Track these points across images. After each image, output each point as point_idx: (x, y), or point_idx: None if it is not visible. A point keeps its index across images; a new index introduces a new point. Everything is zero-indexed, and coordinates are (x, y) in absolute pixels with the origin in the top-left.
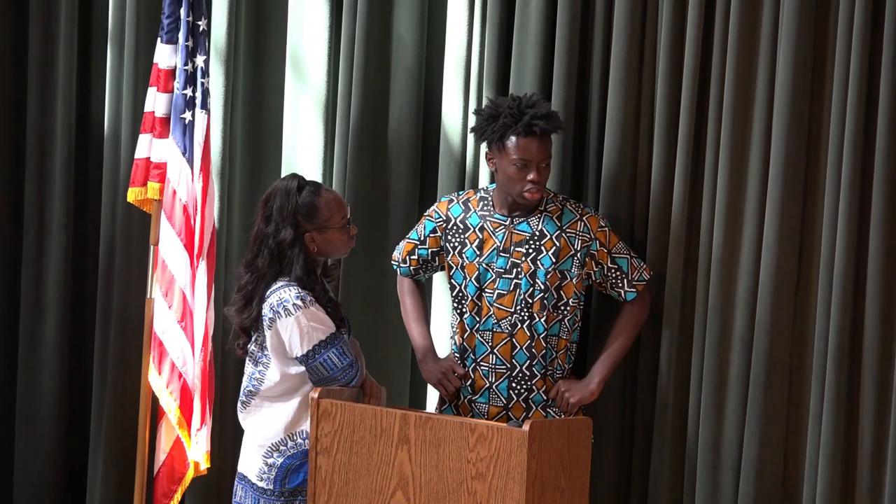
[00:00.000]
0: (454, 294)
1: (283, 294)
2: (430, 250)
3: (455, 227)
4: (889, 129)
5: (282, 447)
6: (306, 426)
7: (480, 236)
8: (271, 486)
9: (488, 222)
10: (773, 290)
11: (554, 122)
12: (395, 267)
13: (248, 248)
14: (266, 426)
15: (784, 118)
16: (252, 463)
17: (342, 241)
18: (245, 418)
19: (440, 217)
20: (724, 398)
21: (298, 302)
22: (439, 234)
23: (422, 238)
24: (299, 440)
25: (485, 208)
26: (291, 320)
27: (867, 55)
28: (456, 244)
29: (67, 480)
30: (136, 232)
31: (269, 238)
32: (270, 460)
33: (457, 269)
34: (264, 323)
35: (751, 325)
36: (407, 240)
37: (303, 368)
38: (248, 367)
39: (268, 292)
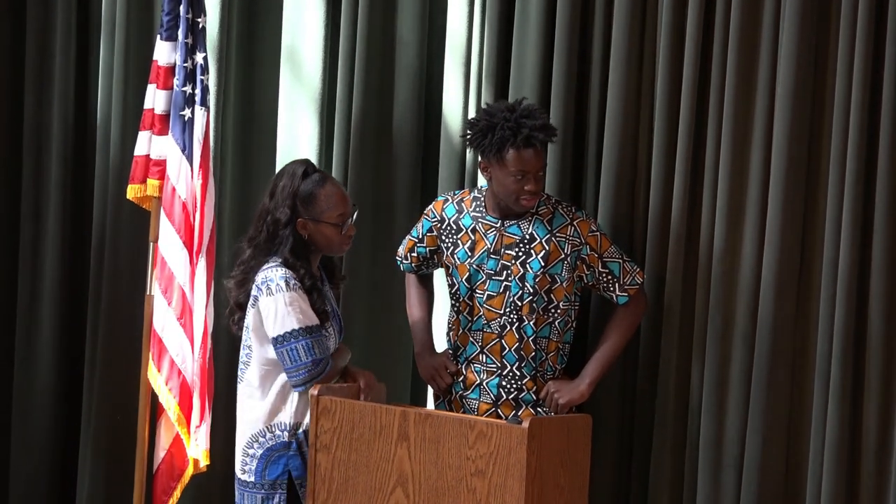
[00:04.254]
0: (451, 292)
1: (269, 273)
2: (428, 248)
3: (449, 228)
4: (893, 124)
5: (261, 438)
6: (285, 417)
7: (472, 238)
8: (252, 479)
9: (480, 224)
10: (776, 286)
11: (550, 132)
12: (398, 262)
13: (252, 222)
14: (247, 417)
15: (786, 114)
16: (238, 456)
17: (334, 237)
18: (238, 408)
19: (435, 216)
20: (725, 395)
21: (282, 283)
22: (435, 233)
23: (420, 236)
24: (278, 431)
25: (477, 209)
26: (272, 300)
27: (871, 47)
28: (449, 244)
29: (64, 476)
30: (125, 228)
31: (268, 215)
32: (251, 451)
33: (452, 268)
34: (251, 301)
35: (753, 322)
36: (408, 237)
37: None
38: (240, 353)
39: (259, 270)
